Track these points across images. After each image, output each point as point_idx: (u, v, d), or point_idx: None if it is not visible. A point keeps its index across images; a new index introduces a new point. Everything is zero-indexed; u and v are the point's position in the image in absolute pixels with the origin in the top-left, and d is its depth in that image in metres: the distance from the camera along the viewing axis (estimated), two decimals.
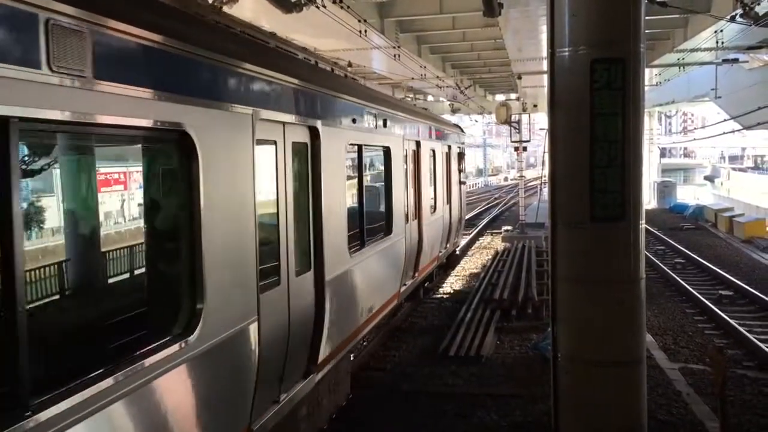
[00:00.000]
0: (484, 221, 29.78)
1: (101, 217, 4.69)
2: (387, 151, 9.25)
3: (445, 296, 14.59)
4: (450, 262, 16.58)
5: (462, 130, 17.77)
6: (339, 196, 6.82)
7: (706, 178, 61.58)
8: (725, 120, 28.88)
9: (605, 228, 5.71)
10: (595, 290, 5.85)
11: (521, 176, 24.84)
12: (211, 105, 4.24)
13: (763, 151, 68.69)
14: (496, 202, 41.70)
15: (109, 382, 3.25)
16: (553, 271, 6.08)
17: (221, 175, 4.37)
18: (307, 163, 6.08)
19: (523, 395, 8.10)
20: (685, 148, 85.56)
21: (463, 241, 20.70)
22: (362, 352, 9.74)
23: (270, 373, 5.15)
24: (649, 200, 37.78)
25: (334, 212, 6.56)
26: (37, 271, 4.13)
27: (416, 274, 11.27)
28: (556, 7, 5.78)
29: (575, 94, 5.71)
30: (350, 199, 7.49)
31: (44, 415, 2.85)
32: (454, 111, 34.81)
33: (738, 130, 32.04)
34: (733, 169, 57.66)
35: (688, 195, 44.35)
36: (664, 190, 39.12)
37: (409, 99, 27.61)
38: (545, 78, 9.12)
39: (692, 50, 22.23)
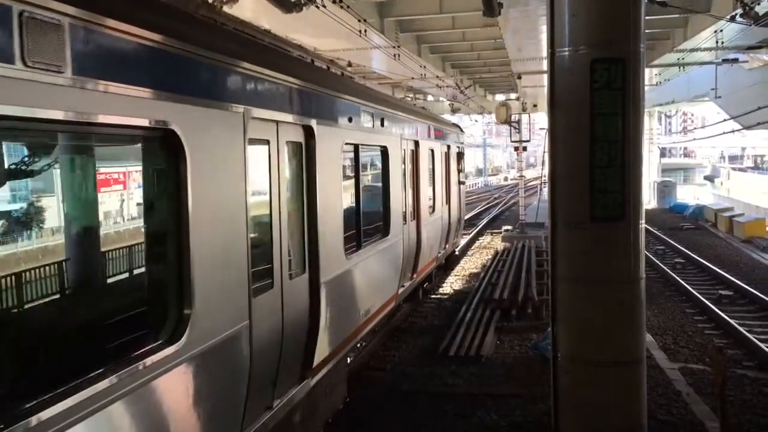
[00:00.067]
0: (484, 221, 29.78)
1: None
2: (384, 151, 9.16)
3: (444, 296, 14.59)
4: (449, 263, 16.55)
5: (461, 130, 17.75)
6: (335, 196, 6.72)
7: (706, 177, 61.57)
8: (725, 120, 28.86)
9: (605, 228, 5.71)
10: (595, 290, 5.85)
11: (521, 176, 24.86)
12: (199, 103, 4.11)
13: (763, 150, 68.72)
14: (496, 201, 41.70)
15: (88, 392, 3.11)
16: (553, 271, 6.07)
17: (210, 176, 4.23)
18: (301, 163, 5.96)
19: (523, 395, 8.10)
20: (685, 148, 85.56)
21: (463, 241, 20.70)
22: (362, 352, 9.73)
23: (262, 379, 5.03)
24: (649, 200, 37.79)
25: (329, 213, 6.45)
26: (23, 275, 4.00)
27: (415, 276, 11.22)
28: (556, 7, 5.78)
29: (575, 94, 5.71)
30: (346, 200, 7.39)
31: (18, 429, 2.72)
32: (454, 111, 34.84)
33: (738, 130, 32.02)
34: (733, 168, 57.70)
35: (688, 195, 44.34)
36: (664, 189, 39.12)
37: (409, 99, 27.62)
38: (545, 78, 9.12)
39: (692, 50, 22.24)
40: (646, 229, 7.12)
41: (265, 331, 5.02)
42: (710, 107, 40.67)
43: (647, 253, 12.48)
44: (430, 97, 35.40)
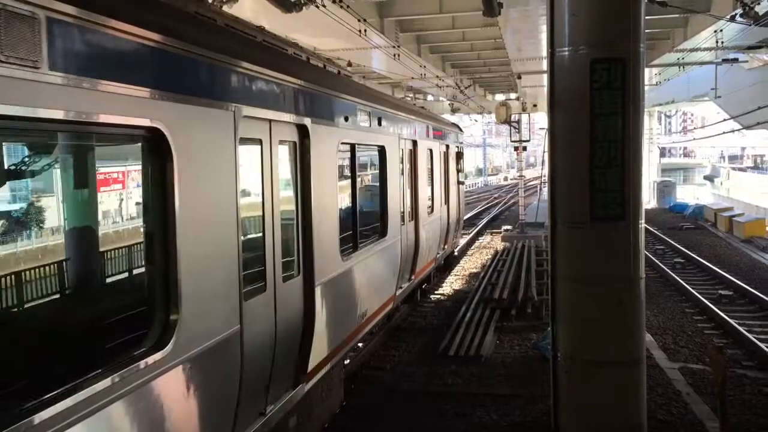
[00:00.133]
0: (484, 221, 29.78)
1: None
2: (382, 151, 9.06)
3: (444, 296, 14.59)
4: (448, 263, 16.51)
5: (460, 129, 17.74)
6: (330, 197, 6.59)
7: (705, 177, 61.59)
8: (725, 120, 28.86)
9: (605, 228, 5.72)
10: (595, 290, 5.85)
11: (521, 176, 24.86)
12: (187, 100, 3.98)
13: (762, 150, 68.68)
14: (496, 201, 41.69)
15: (70, 401, 3.01)
16: (553, 271, 6.08)
17: (199, 176, 4.09)
18: (295, 162, 5.83)
19: (523, 395, 8.09)
20: (685, 148, 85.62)
21: (463, 241, 20.71)
22: (362, 352, 9.73)
23: (254, 385, 4.92)
24: (648, 200, 37.78)
25: (324, 214, 6.31)
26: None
27: (413, 277, 11.15)
28: (556, 7, 5.78)
29: (575, 94, 5.71)
30: (342, 201, 7.28)
31: None
32: (453, 110, 34.88)
33: (738, 130, 32.01)
34: (733, 168, 57.67)
35: (688, 194, 44.36)
36: (664, 189, 39.10)
37: (408, 98, 27.65)
38: (545, 78, 9.12)
39: (692, 50, 22.24)
40: (646, 229, 7.11)
41: (256, 335, 4.89)
42: (710, 107, 40.66)
43: (647, 253, 12.46)
44: (429, 97, 35.43)
